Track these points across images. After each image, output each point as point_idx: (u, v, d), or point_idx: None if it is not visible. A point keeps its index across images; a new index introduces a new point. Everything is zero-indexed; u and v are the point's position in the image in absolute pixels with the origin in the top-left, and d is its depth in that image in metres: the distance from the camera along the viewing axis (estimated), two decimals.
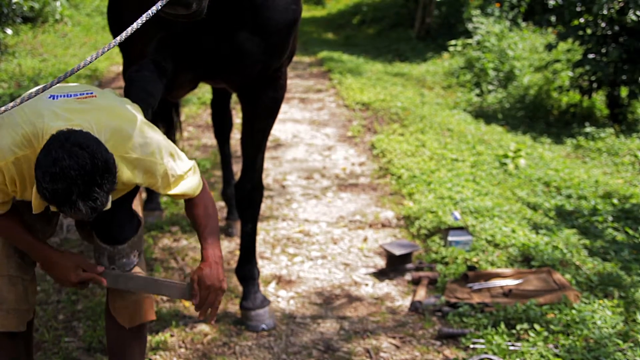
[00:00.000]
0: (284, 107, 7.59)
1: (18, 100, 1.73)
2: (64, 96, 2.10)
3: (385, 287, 3.76)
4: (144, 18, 1.80)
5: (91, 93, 2.15)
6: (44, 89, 1.75)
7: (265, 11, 2.74)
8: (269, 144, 6.27)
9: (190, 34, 2.66)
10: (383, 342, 3.20)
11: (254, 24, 2.74)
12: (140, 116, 2.19)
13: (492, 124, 7.67)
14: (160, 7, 1.85)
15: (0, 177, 2.01)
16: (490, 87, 9.18)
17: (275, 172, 5.65)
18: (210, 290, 2.26)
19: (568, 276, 3.65)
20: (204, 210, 2.31)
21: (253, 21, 2.73)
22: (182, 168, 2.22)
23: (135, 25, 1.78)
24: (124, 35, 1.77)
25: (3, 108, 1.73)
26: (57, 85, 1.89)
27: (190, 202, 2.32)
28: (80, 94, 2.13)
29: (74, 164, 1.82)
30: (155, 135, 2.17)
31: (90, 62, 1.74)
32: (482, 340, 3.10)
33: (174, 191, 2.23)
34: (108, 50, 1.75)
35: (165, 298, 3.52)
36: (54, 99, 2.08)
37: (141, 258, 2.38)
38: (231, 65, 2.83)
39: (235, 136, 5.63)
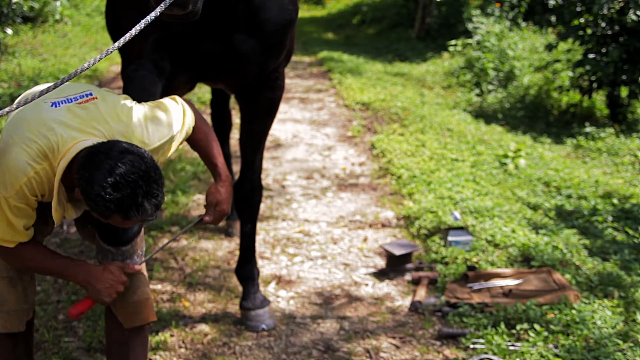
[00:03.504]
0: (283, 107, 7.59)
1: (14, 105, 1.73)
2: (65, 102, 2.07)
3: (385, 287, 3.76)
4: (142, 23, 1.80)
5: (90, 94, 2.13)
6: (41, 94, 1.74)
7: (262, 12, 2.74)
8: (268, 144, 6.28)
9: (187, 35, 2.65)
10: (383, 342, 3.20)
11: (251, 25, 2.74)
12: (139, 108, 2.18)
13: (492, 124, 7.67)
14: (159, 12, 1.85)
15: (26, 198, 1.98)
16: (490, 87, 9.18)
17: (275, 172, 5.65)
18: (221, 212, 2.40)
19: (568, 276, 3.65)
20: (204, 135, 2.38)
21: (250, 22, 2.73)
22: (179, 124, 2.25)
23: (133, 31, 1.78)
24: (123, 40, 1.77)
25: (7, 109, 1.73)
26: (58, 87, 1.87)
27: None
28: (80, 97, 2.10)
29: (131, 167, 1.85)
30: (155, 120, 2.19)
31: (88, 67, 1.74)
32: (482, 340, 3.10)
33: (178, 143, 2.28)
34: (108, 54, 1.75)
35: (165, 298, 3.52)
36: (56, 106, 2.05)
37: (142, 258, 2.39)
38: (228, 67, 2.83)
39: (235, 136, 5.63)
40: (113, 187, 1.83)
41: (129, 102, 2.23)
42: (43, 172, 1.98)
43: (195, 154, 6.18)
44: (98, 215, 1.93)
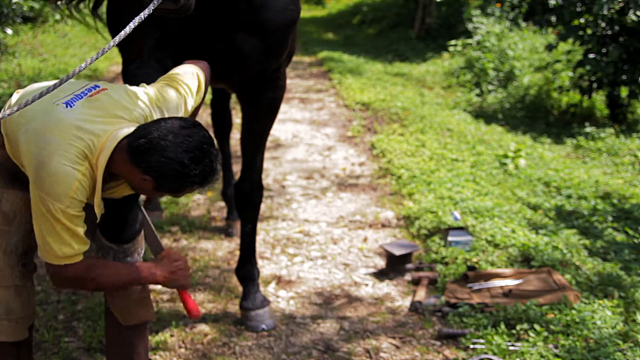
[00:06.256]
0: (284, 107, 7.59)
1: (15, 107, 1.71)
2: (76, 99, 2.02)
3: (385, 287, 3.76)
4: (136, 21, 1.81)
5: (97, 87, 2.09)
6: (40, 96, 1.72)
7: (264, 11, 2.74)
8: (269, 144, 6.26)
9: (189, 34, 2.65)
10: (383, 342, 3.20)
11: (253, 25, 2.74)
12: (149, 91, 2.16)
13: (492, 124, 7.67)
14: (153, 8, 1.85)
15: (80, 204, 1.95)
16: (490, 87, 9.18)
17: (275, 172, 5.65)
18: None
19: (568, 276, 3.65)
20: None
21: (252, 22, 2.73)
22: (191, 99, 2.26)
23: (128, 29, 1.78)
24: (118, 38, 1.77)
25: (7, 111, 1.71)
26: (59, 87, 1.84)
27: None
28: (88, 90, 2.06)
29: (200, 138, 1.92)
30: (167, 97, 2.17)
31: (88, 65, 1.74)
32: (482, 341, 3.10)
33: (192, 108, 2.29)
34: (106, 52, 1.75)
35: (165, 298, 3.52)
36: (70, 106, 1.99)
37: (141, 256, 2.40)
38: (230, 66, 2.83)
39: (235, 136, 5.63)
40: (194, 161, 1.88)
41: (138, 87, 2.19)
42: (88, 172, 1.95)
43: None
44: (171, 192, 1.98)
